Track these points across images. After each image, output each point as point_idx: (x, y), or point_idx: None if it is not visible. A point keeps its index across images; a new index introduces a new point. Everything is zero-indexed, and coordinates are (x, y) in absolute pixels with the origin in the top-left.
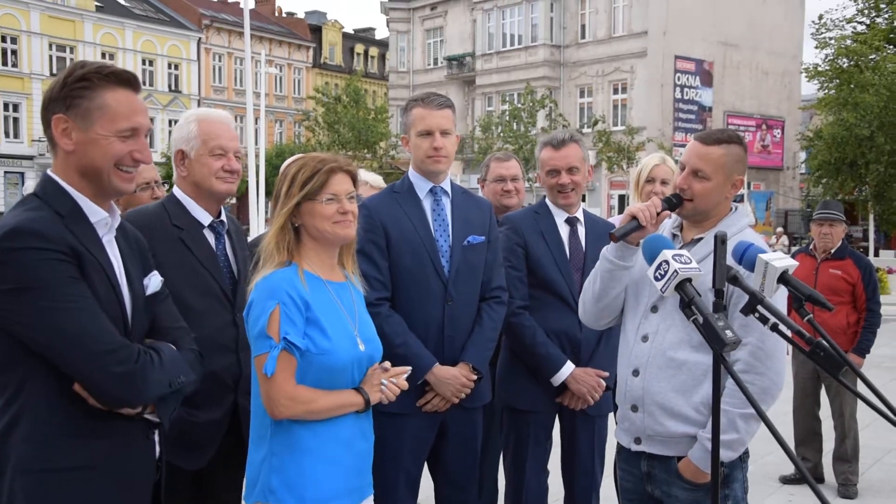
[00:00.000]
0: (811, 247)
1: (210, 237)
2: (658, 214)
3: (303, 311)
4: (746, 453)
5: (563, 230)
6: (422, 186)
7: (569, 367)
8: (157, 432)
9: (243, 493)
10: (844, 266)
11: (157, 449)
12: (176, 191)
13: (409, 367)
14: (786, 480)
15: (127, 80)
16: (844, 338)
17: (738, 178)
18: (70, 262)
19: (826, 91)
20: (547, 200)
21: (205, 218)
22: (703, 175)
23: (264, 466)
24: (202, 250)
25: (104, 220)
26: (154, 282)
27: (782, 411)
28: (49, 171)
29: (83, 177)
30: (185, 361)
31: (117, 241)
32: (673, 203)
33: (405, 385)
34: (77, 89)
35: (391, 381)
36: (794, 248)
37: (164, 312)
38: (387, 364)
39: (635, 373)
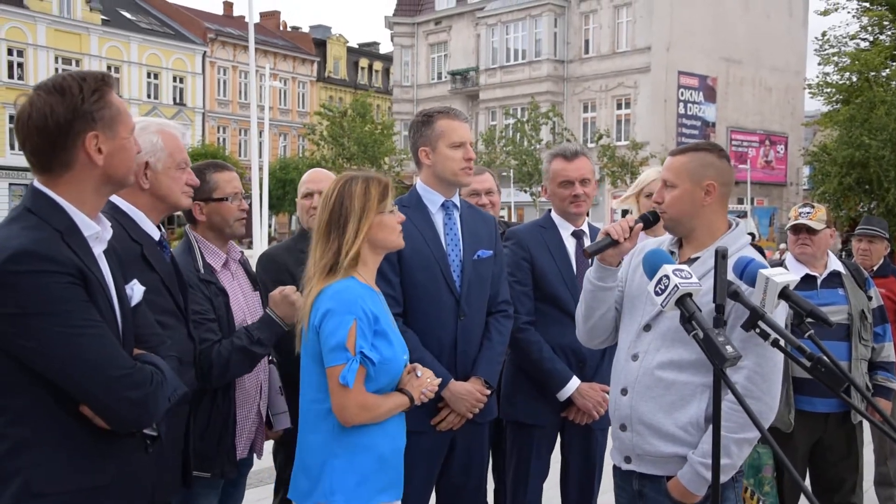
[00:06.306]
0: None
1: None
2: (631, 229)
3: (372, 325)
4: (740, 472)
5: (570, 244)
6: (434, 200)
7: (575, 382)
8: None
9: (289, 493)
10: (888, 284)
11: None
12: (122, 203)
13: (441, 379)
14: None
15: (115, 83)
16: None
17: (710, 183)
18: (80, 285)
19: (833, 106)
20: (553, 214)
21: (154, 233)
22: (670, 183)
23: (326, 468)
24: (162, 266)
25: (96, 234)
26: (137, 291)
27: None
28: (37, 184)
29: (106, 184)
30: (175, 372)
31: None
32: (649, 220)
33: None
34: (96, 101)
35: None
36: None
37: (140, 320)
38: (420, 371)
39: (623, 392)
